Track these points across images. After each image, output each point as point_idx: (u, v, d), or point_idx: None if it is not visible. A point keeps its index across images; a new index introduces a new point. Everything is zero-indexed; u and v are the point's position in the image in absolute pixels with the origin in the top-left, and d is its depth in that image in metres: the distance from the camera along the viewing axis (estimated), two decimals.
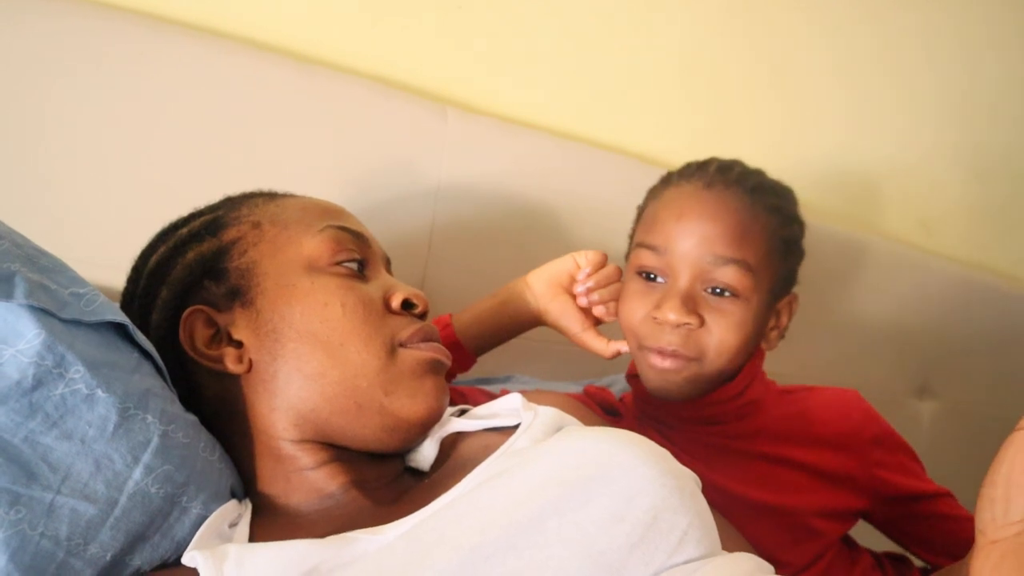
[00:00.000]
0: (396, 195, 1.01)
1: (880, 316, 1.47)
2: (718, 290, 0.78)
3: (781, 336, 0.85)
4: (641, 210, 0.87)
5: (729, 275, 0.77)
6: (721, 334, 0.77)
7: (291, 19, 1.00)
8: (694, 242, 0.77)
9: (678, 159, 1.29)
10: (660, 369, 0.78)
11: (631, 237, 0.87)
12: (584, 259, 0.85)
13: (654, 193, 0.86)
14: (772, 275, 0.80)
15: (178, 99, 0.89)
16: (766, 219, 0.80)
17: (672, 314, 0.76)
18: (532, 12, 1.16)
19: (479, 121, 1.09)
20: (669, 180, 0.86)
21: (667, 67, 1.29)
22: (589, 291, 0.83)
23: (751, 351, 0.81)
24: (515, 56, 1.16)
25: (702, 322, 0.77)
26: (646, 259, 0.80)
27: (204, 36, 0.92)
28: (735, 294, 0.77)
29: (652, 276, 0.80)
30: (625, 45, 1.25)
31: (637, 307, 0.80)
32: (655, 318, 0.78)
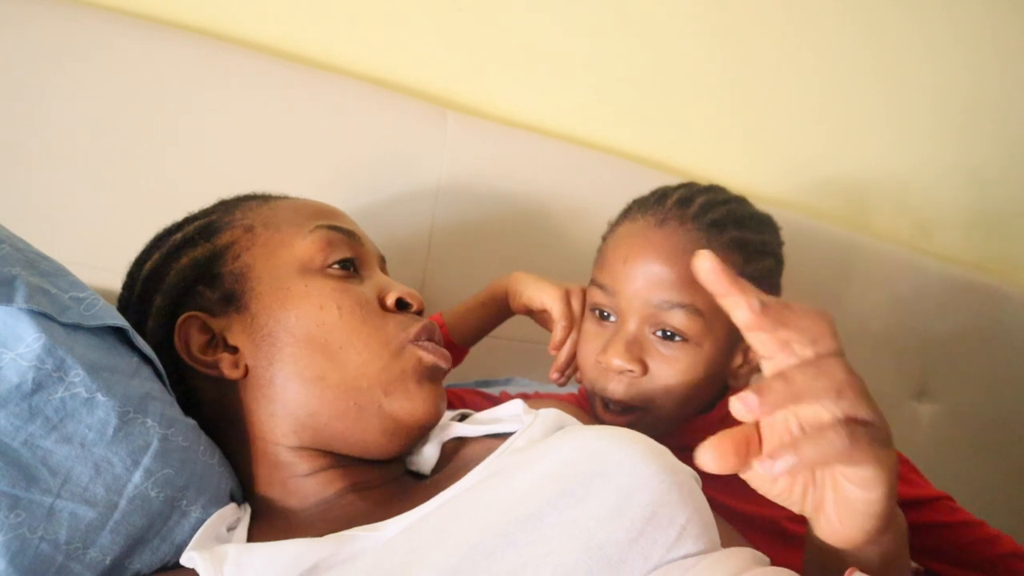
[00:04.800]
0: (396, 197, 1.01)
1: (879, 319, 1.47)
2: (668, 333, 0.75)
3: (755, 372, 0.82)
4: (602, 240, 0.84)
5: (678, 319, 0.73)
6: (666, 381, 0.74)
7: (291, 22, 1.00)
8: (641, 284, 0.74)
9: (677, 161, 1.30)
10: (609, 420, 0.76)
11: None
12: (557, 333, 0.81)
13: (612, 226, 0.84)
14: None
15: (177, 102, 0.89)
16: (723, 257, 0.78)
17: (616, 359, 0.74)
18: (531, 15, 1.16)
19: (479, 124, 1.09)
20: (628, 212, 0.83)
21: (666, 70, 1.29)
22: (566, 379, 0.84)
23: (710, 391, 0.79)
24: (515, 59, 1.16)
25: (645, 370, 0.74)
26: (598, 297, 0.79)
27: (204, 39, 0.92)
28: (685, 339, 0.74)
29: (605, 314, 0.79)
30: (624, 47, 1.25)
31: (589, 351, 0.78)
32: (600, 362, 0.76)
